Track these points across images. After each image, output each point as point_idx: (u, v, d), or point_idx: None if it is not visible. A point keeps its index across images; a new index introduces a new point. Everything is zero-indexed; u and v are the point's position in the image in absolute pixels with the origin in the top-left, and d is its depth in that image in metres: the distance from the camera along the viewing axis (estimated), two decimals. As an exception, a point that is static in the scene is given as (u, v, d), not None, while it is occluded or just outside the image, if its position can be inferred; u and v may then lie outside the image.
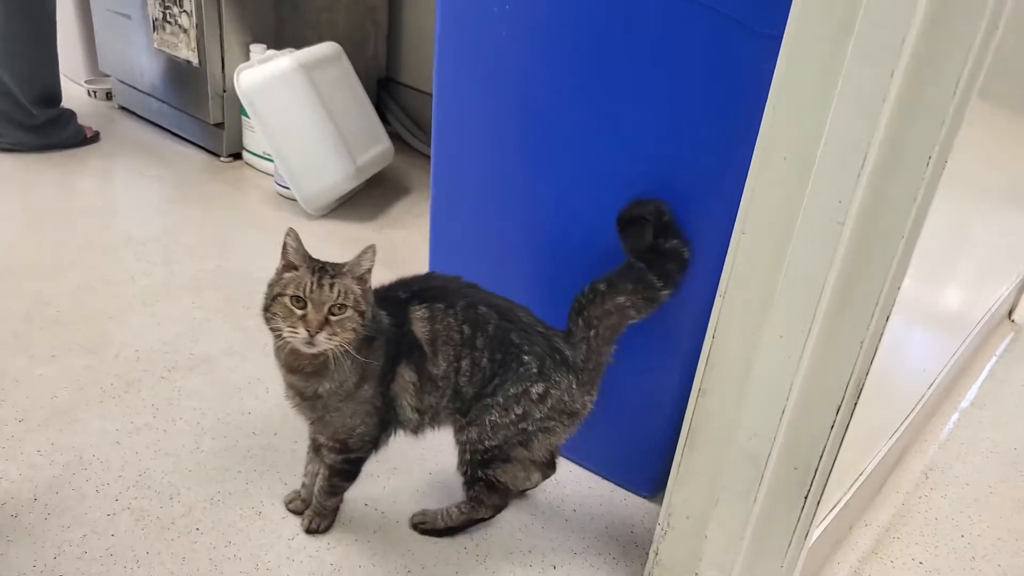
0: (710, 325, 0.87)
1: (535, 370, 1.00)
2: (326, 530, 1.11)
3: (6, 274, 1.65)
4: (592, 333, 1.01)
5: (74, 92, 2.68)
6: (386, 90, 2.69)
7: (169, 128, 2.50)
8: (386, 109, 2.67)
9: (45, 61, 2.16)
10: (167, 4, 2.24)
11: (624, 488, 1.26)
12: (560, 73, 1.05)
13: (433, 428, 1.08)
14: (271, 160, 2.19)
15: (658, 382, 1.14)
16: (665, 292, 1.00)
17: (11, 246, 1.77)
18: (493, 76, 1.13)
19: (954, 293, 1.36)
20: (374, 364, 0.99)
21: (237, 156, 2.37)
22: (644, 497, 1.25)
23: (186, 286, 1.68)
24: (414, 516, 1.15)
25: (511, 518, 1.17)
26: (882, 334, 0.76)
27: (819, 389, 0.80)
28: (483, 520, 1.13)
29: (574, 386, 1.02)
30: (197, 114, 2.35)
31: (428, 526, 1.14)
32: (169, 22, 2.26)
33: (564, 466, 1.29)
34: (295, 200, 2.06)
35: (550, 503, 1.22)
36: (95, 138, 2.37)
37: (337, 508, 1.13)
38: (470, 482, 1.08)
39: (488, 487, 1.07)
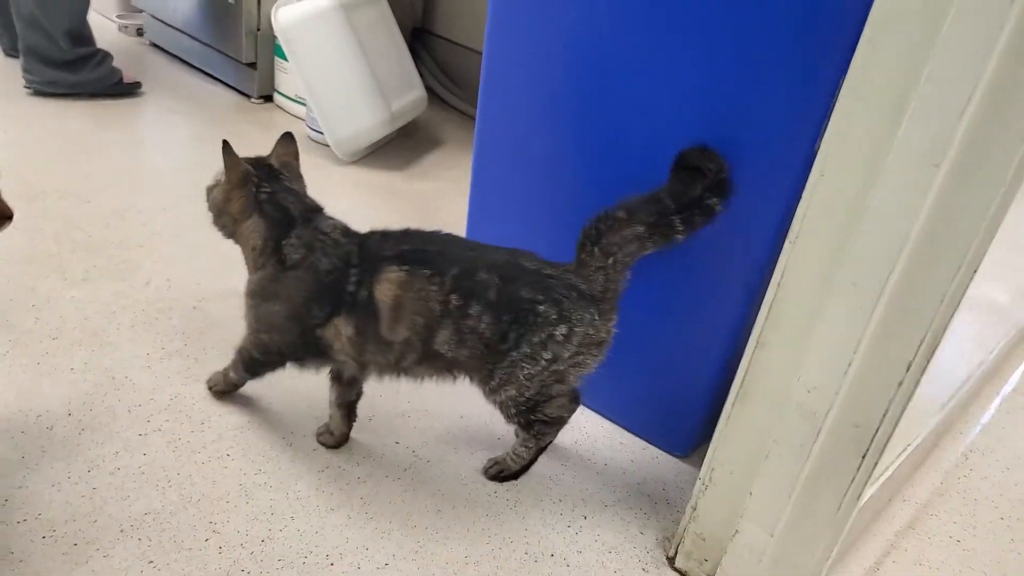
0: (775, 274, 0.84)
1: (555, 316, 0.97)
2: (218, 395, 1.16)
3: (37, 196, 1.63)
4: (610, 261, 0.99)
5: (105, 27, 2.63)
6: (420, 41, 2.64)
7: (200, 67, 2.46)
8: (419, 60, 2.63)
9: None
10: (206, -64, 2.19)
11: (657, 447, 1.24)
12: (619, 14, 1.02)
13: (398, 378, 1.06)
14: (303, 103, 2.16)
15: (700, 341, 1.11)
16: (680, 238, 0.98)
17: (41, 170, 1.74)
18: (547, 22, 1.09)
19: (1008, 277, 1.33)
20: (281, 291, 1.01)
21: (268, 98, 2.33)
22: (677, 456, 1.23)
23: (217, 220, 1.66)
24: (487, 467, 1.14)
25: (542, 467, 1.16)
26: (966, 289, 0.73)
27: (891, 344, 0.77)
28: (551, 443, 1.13)
29: (596, 318, 1.00)
30: (230, 53, 2.30)
31: (505, 472, 1.13)
32: (207, -45, 2.22)
33: (596, 421, 1.27)
34: (326, 145, 2.02)
35: (581, 456, 1.20)
36: (135, 88, 2.22)
37: (235, 387, 1.16)
38: (526, 427, 1.07)
39: (543, 423, 1.06)
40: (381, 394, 1.23)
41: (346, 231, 1.05)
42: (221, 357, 1.24)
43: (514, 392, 1.01)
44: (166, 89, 2.32)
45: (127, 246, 1.51)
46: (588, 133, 1.11)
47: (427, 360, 1.02)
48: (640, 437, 1.25)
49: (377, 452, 1.13)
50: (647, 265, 1.01)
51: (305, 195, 1.09)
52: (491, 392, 1.03)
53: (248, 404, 1.17)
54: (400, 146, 2.17)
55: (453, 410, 1.24)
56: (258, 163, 1.06)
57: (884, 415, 0.80)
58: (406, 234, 1.04)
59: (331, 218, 1.07)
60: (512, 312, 0.98)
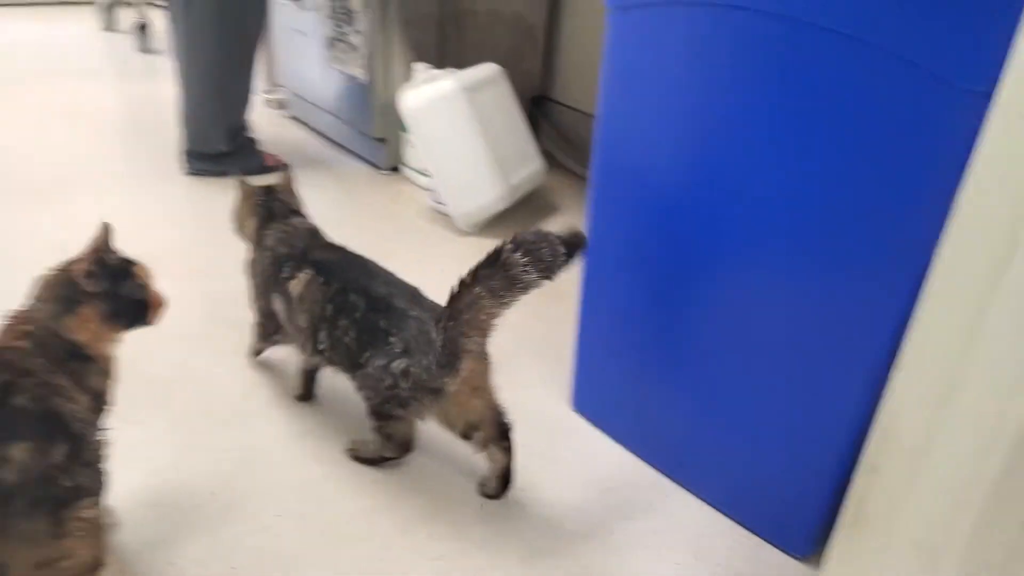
0: (886, 394, 0.82)
1: (399, 349, 1.14)
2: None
3: (191, 274, 1.79)
4: (451, 323, 1.09)
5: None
6: (539, 108, 2.73)
7: (334, 139, 2.65)
8: (537, 126, 2.71)
9: (247, 91, 2.27)
10: (340, 24, 2.36)
11: (774, 545, 1.21)
12: (736, 114, 1.03)
13: (325, 365, 1.29)
14: (427, 175, 2.27)
15: (819, 432, 1.09)
16: (533, 283, 1.08)
17: (194, 248, 1.92)
18: (662, 107, 1.12)
19: None
20: (255, 267, 1.37)
21: (395, 169, 2.47)
22: (796, 558, 1.20)
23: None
24: (349, 444, 1.30)
25: (660, 563, 1.16)
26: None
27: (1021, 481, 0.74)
28: (392, 459, 1.27)
29: (433, 366, 1.10)
30: (361, 128, 2.47)
31: (355, 453, 1.29)
32: (341, 40, 2.39)
33: (708, 515, 1.26)
34: (448, 215, 2.12)
35: (696, 552, 1.19)
36: (277, 167, 2.36)
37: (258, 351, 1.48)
38: (374, 428, 1.23)
39: (386, 436, 1.23)
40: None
41: (312, 231, 1.37)
42: (345, 435, 1.33)
43: (363, 395, 1.21)
44: (305, 162, 2.50)
45: (267, 323, 1.64)
46: (695, 224, 1.13)
47: (316, 352, 1.24)
48: (756, 534, 1.23)
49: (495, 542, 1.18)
50: (766, 346, 1.01)
51: (290, 204, 1.42)
52: (356, 390, 1.21)
53: (370, 488, 1.24)
54: (520, 213, 2.23)
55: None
56: (260, 187, 1.42)
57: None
58: (337, 249, 1.34)
59: (305, 220, 1.40)
60: (369, 334, 1.16)
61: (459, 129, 2.00)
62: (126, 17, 3.94)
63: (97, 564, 0.90)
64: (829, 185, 0.96)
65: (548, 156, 2.55)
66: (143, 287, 1.06)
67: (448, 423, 1.20)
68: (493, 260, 1.08)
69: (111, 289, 1.02)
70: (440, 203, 2.17)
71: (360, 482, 1.25)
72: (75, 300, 1.00)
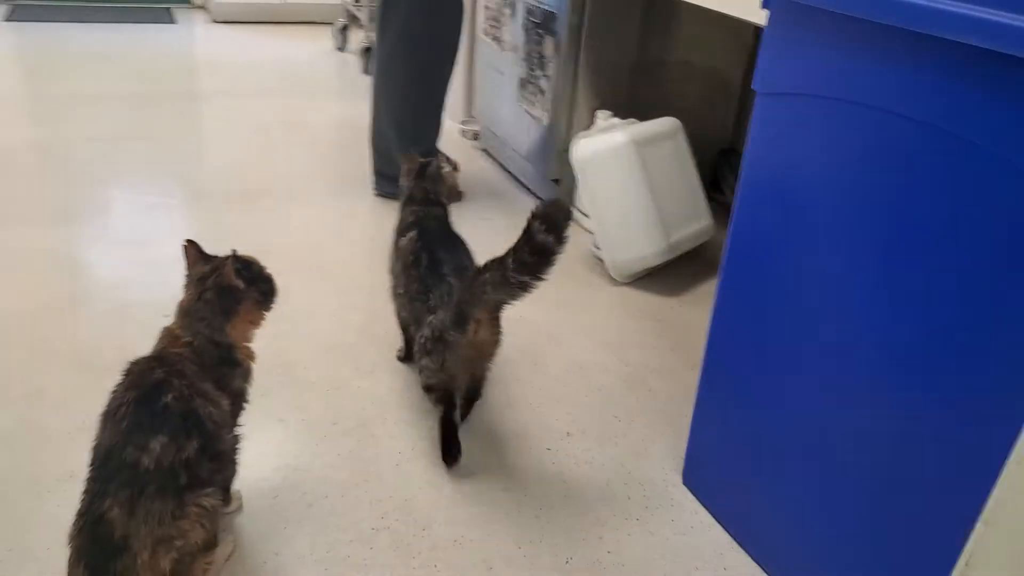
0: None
1: (432, 303, 1.38)
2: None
3: (353, 290, 1.96)
4: (466, 292, 1.31)
5: (450, 129, 3.07)
6: (727, 160, 2.68)
7: (515, 175, 2.77)
8: (723, 179, 2.67)
9: (432, 124, 2.44)
10: (533, 67, 2.48)
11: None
12: (870, 214, 0.99)
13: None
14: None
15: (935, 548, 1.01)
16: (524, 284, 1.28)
17: (367, 265, 2.10)
18: (798, 196, 1.09)
19: None
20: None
21: (566, 209, 2.54)
22: None
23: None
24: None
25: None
26: None
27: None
28: (443, 418, 1.43)
29: (447, 322, 1.32)
30: (539, 167, 2.56)
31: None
32: (532, 83, 2.51)
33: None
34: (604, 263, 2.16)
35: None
36: (460, 197, 2.53)
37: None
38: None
39: (426, 389, 1.43)
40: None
41: (437, 215, 1.60)
42: (458, 467, 1.40)
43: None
44: (484, 193, 2.64)
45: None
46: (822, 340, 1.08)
47: (396, 295, 1.59)
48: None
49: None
50: (886, 456, 0.95)
51: (433, 192, 1.63)
52: None
53: (465, 518, 1.30)
54: (682, 269, 2.21)
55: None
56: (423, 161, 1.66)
57: None
58: (445, 228, 1.60)
59: (440, 208, 1.62)
60: (421, 286, 1.45)
61: (625, 182, 2.03)
62: (356, 39, 4.35)
63: (209, 546, 1.03)
64: (964, 296, 0.90)
65: (727, 210, 2.50)
66: (266, 270, 1.22)
67: (453, 378, 1.40)
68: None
69: (252, 278, 1.18)
70: (598, 249, 2.20)
71: (460, 513, 1.31)
72: (235, 301, 1.16)
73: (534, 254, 1.24)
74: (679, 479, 1.43)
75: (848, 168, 1.01)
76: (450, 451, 1.41)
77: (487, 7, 2.81)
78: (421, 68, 2.38)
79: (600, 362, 1.77)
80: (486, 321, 1.36)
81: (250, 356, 1.20)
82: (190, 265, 1.16)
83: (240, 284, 1.16)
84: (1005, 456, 0.88)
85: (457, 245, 1.56)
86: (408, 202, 1.63)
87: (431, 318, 1.38)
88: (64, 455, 1.33)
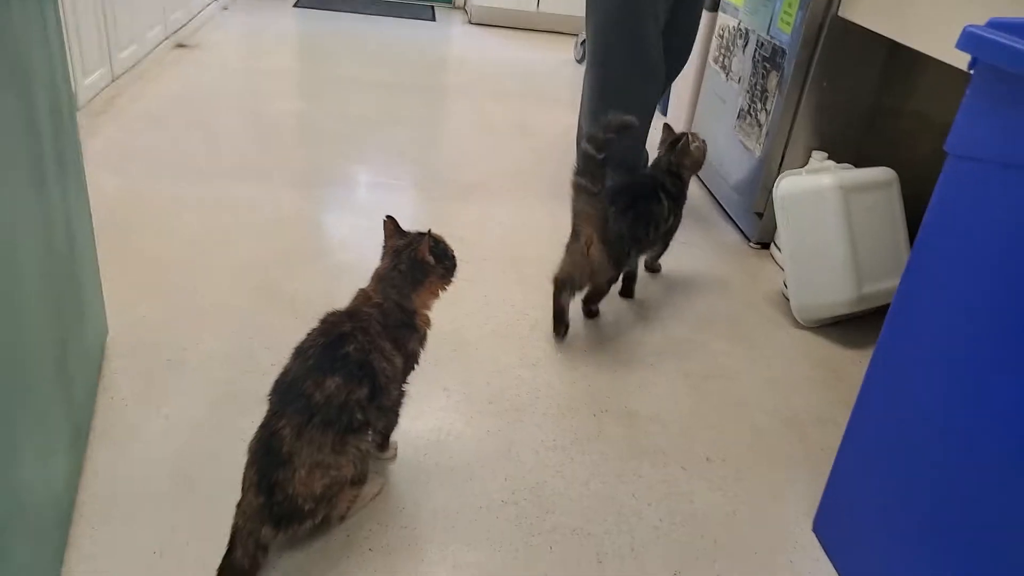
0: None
1: None
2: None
3: (540, 288, 2.10)
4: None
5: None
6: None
7: (721, 202, 2.77)
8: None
9: (628, 141, 2.46)
10: (754, 101, 2.48)
11: None
12: None
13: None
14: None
15: None
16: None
17: (542, 261, 2.22)
18: (972, 267, 1.05)
19: None
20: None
21: (765, 245, 2.51)
22: None
23: (640, 350, 1.91)
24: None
25: None
26: None
27: None
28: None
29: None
30: (745, 198, 2.55)
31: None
32: (750, 115, 2.50)
33: None
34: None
35: None
36: None
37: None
38: None
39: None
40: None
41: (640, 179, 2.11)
42: (590, 463, 1.48)
43: None
44: (688, 216, 2.66)
45: (574, 344, 1.87)
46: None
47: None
48: None
49: (665, 608, 1.24)
50: None
51: (677, 162, 2.08)
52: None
53: (586, 512, 1.38)
54: (869, 324, 2.12)
55: None
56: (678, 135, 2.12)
57: None
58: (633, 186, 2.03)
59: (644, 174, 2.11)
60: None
61: (824, 225, 1.99)
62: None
63: (358, 481, 1.20)
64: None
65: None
66: (451, 250, 1.36)
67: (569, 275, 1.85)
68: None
69: (440, 255, 1.33)
70: (787, 288, 2.17)
71: (585, 507, 1.40)
72: (424, 273, 1.32)
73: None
74: (809, 525, 1.41)
75: (1025, 244, 0.96)
76: (557, 328, 1.90)
77: (720, 35, 2.83)
78: (608, 81, 2.45)
79: (761, 399, 1.77)
80: (590, 238, 1.81)
81: (427, 323, 1.36)
82: (387, 237, 1.34)
83: (431, 259, 1.32)
84: None
85: (642, 191, 2.00)
86: (654, 166, 2.08)
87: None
88: (266, 383, 1.58)
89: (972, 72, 1.07)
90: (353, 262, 2.09)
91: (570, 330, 1.92)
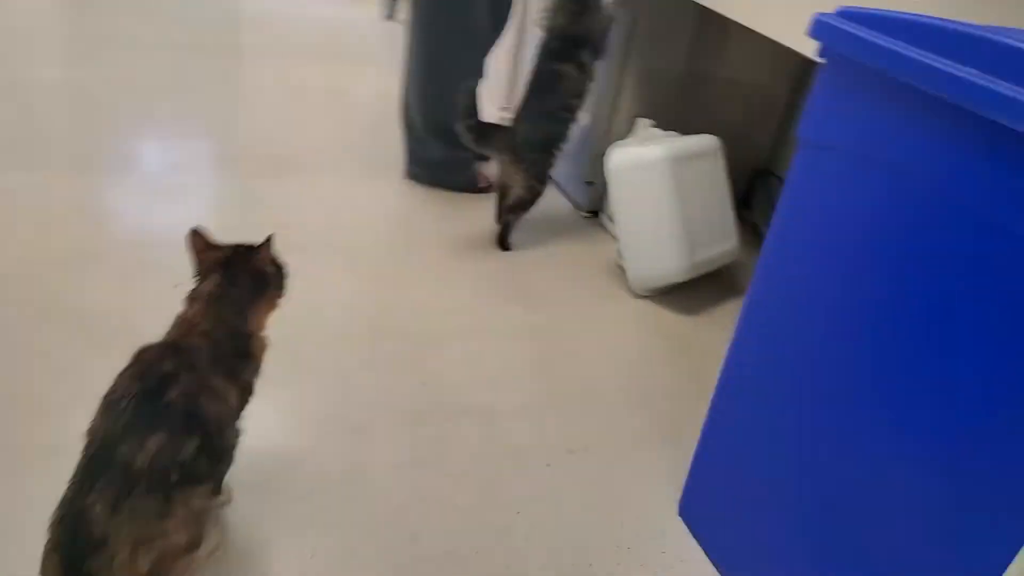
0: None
1: None
2: None
3: (372, 278, 1.95)
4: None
5: (490, 115, 3.02)
6: (761, 180, 2.63)
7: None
8: (754, 198, 2.63)
9: (458, 109, 2.29)
10: (579, 67, 2.43)
11: None
12: (894, 287, 0.95)
13: None
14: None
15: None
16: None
17: (374, 252, 2.08)
18: (827, 251, 1.06)
19: None
20: None
21: (595, 214, 2.51)
22: None
23: (502, 332, 1.84)
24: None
25: None
26: None
27: None
28: None
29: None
30: (574, 167, 2.52)
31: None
32: (576, 82, 2.45)
33: None
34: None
35: None
36: (488, 189, 2.45)
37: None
38: None
39: None
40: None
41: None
42: (448, 482, 1.39)
43: None
44: (513, 187, 2.60)
45: (419, 339, 1.75)
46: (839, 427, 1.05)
47: None
48: None
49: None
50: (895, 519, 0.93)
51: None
52: None
53: (448, 531, 1.30)
54: (701, 287, 2.17)
55: None
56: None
57: None
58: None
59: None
60: None
61: (655, 197, 1.99)
62: (405, 8, 4.30)
63: (192, 547, 1.02)
64: (989, 380, 0.86)
65: (754, 230, 2.48)
66: (282, 264, 1.22)
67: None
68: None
69: (277, 270, 1.20)
70: (622, 258, 2.17)
71: (450, 525, 1.31)
72: (263, 286, 1.16)
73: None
74: (675, 510, 1.41)
75: (884, 233, 0.97)
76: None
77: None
78: (448, 40, 2.29)
79: (612, 379, 1.75)
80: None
81: (263, 347, 1.19)
82: (199, 252, 1.15)
83: (272, 269, 1.16)
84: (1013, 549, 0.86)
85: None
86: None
87: None
88: (55, 426, 1.32)
89: (824, 60, 1.05)
90: (152, 261, 1.82)
91: (418, 327, 1.80)
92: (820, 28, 1.01)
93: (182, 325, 1.12)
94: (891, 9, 0.97)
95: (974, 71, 0.83)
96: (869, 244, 1.00)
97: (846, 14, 1.00)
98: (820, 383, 1.08)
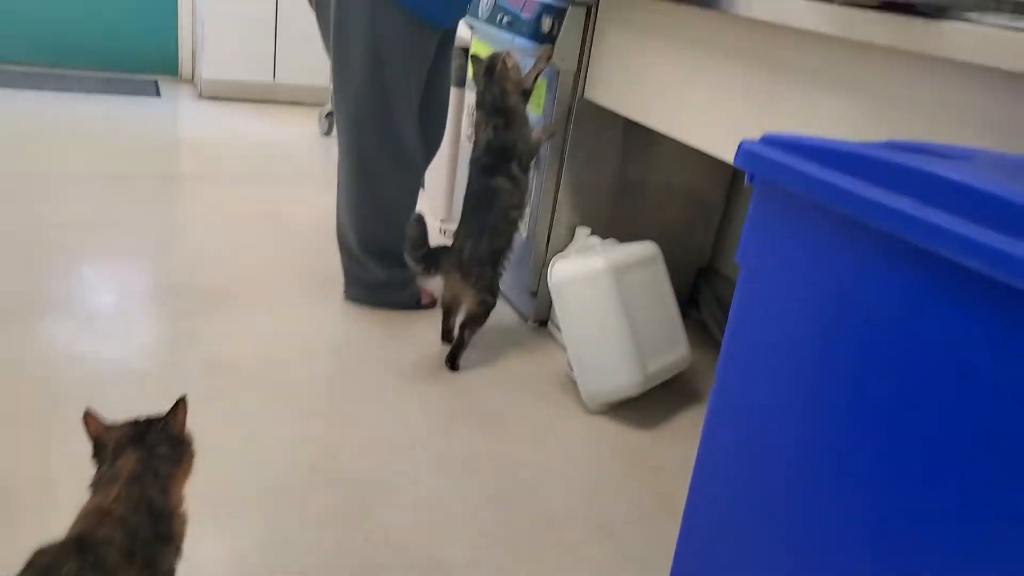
0: None
1: None
2: None
3: (313, 414, 1.85)
4: None
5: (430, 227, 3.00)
6: (705, 279, 2.63)
7: (492, 282, 2.69)
8: (700, 298, 2.61)
9: (387, 220, 2.25)
10: (515, 180, 2.42)
11: None
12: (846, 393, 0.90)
13: None
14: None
15: None
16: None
17: (312, 386, 1.99)
18: (780, 358, 1.01)
19: None
20: None
21: (543, 324, 2.46)
22: None
23: (453, 465, 1.74)
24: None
25: None
26: None
27: None
28: None
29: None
30: (518, 279, 2.49)
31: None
32: (513, 194, 2.45)
33: None
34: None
35: None
36: (431, 305, 2.42)
37: None
38: None
39: None
40: None
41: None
42: None
43: None
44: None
45: (365, 485, 1.64)
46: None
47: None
48: None
49: None
50: None
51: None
52: None
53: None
54: (657, 398, 2.11)
55: None
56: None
57: None
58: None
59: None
60: None
61: (601, 310, 1.95)
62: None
63: None
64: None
65: (704, 329, 2.45)
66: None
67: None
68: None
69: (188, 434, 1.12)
70: (572, 370, 2.11)
71: None
72: (183, 452, 1.09)
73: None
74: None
75: (832, 350, 0.93)
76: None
77: (474, 112, 2.76)
78: (364, 171, 2.24)
79: (571, 507, 1.66)
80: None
81: (184, 524, 1.09)
82: (100, 434, 1.05)
83: (189, 434, 1.08)
84: None
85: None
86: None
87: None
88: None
89: (752, 186, 1.03)
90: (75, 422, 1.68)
91: (363, 470, 1.69)
92: (745, 157, 1.00)
93: (91, 516, 1.00)
94: (814, 136, 0.96)
95: (901, 197, 0.81)
96: (820, 361, 0.96)
97: (771, 140, 0.99)
98: (794, 504, 1.02)
